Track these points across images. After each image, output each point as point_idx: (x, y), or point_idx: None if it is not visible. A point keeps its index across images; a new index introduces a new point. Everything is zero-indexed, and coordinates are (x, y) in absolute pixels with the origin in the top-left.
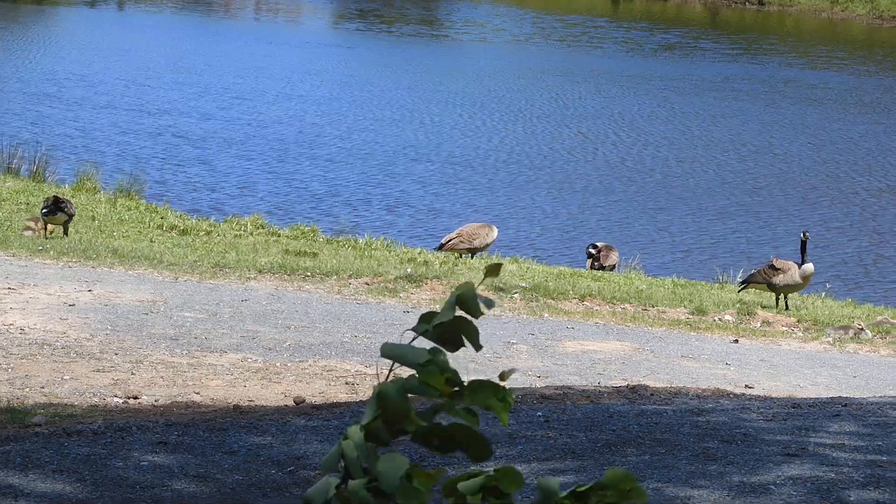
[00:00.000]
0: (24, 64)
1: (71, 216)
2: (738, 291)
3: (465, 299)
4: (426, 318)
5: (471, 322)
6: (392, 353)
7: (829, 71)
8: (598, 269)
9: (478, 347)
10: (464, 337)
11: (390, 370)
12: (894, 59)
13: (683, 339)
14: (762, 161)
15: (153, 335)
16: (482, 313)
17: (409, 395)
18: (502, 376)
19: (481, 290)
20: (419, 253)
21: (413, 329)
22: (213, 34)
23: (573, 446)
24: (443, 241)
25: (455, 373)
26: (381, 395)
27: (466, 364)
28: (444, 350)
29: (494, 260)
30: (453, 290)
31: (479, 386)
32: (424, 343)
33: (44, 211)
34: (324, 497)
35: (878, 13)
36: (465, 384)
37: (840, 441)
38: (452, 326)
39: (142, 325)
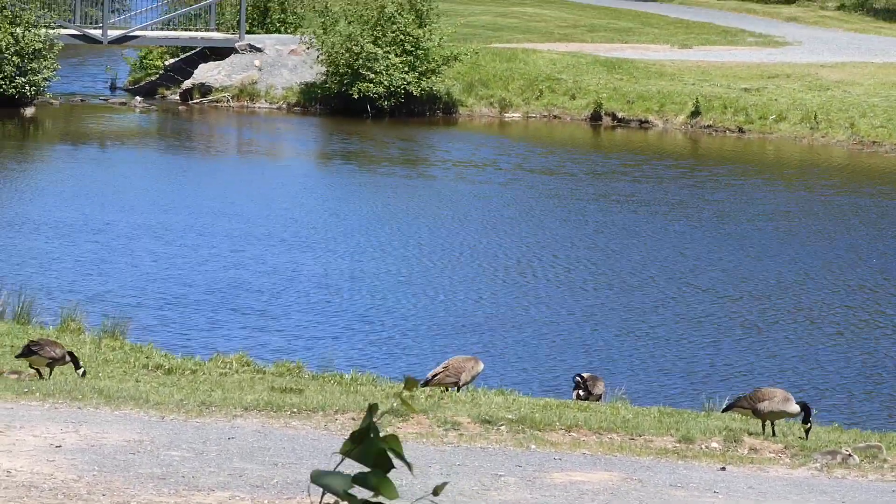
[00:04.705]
0: (5, 205)
1: (52, 359)
2: (722, 411)
3: (372, 426)
4: (354, 437)
5: (391, 442)
6: (319, 480)
7: (810, 193)
8: (586, 398)
9: (410, 467)
10: (393, 457)
11: (321, 498)
12: (874, 183)
13: (671, 467)
14: (747, 288)
15: (140, 475)
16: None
17: None
18: (436, 491)
19: (467, 423)
20: None
21: (340, 451)
22: (194, 175)
23: None
24: (429, 375)
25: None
26: None
27: (455, 497)
28: (375, 473)
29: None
30: (366, 411)
31: None
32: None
33: (18, 354)
34: None
35: (859, 138)
36: None
37: None
38: (376, 450)
39: (129, 465)
